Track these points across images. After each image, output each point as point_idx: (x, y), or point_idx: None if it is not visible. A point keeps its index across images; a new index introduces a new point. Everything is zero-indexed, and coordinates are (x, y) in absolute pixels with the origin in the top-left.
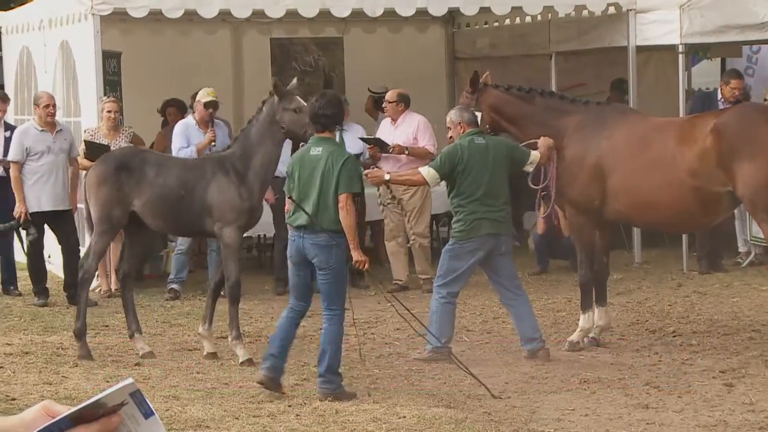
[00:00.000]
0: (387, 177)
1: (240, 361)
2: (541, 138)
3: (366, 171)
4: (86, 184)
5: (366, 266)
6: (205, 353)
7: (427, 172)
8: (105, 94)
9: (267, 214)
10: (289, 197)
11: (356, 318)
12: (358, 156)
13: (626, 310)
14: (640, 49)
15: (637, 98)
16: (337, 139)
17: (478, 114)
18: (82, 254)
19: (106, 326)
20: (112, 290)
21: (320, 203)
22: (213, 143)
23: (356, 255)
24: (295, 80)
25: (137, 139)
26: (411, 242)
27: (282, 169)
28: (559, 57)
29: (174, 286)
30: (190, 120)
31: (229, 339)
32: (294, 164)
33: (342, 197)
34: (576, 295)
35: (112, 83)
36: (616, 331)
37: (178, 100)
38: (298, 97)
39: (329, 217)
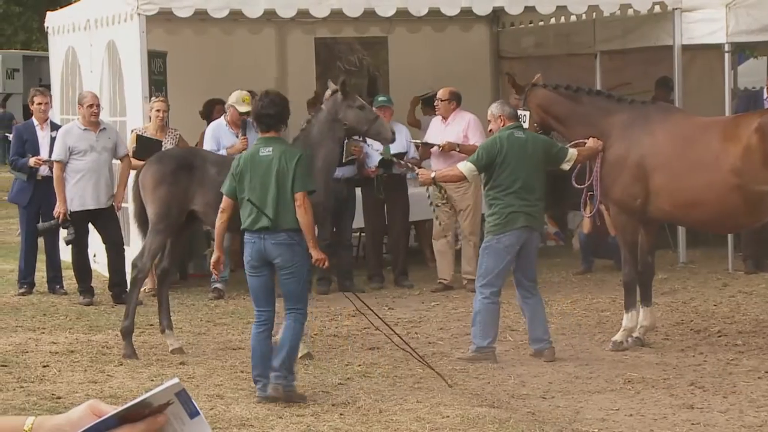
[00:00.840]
0: (433, 175)
1: (299, 355)
2: (591, 139)
3: (417, 170)
4: (142, 183)
5: (325, 264)
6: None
7: (464, 166)
8: (151, 94)
9: None
10: (248, 200)
11: (400, 318)
12: (402, 155)
13: (671, 310)
14: (685, 48)
15: (683, 97)
16: None
17: (527, 113)
18: (126, 253)
19: (151, 325)
20: None
21: (279, 203)
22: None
23: (315, 253)
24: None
25: (183, 142)
26: (461, 241)
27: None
28: (603, 56)
29: (218, 285)
30: (221, 121)
31: None
32: (243, 166)
33: (298, 195)
34: (621, 295)
35: (157, 83)
36: (661, 331)
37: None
38: (358, 96)
39: (290, 217)
